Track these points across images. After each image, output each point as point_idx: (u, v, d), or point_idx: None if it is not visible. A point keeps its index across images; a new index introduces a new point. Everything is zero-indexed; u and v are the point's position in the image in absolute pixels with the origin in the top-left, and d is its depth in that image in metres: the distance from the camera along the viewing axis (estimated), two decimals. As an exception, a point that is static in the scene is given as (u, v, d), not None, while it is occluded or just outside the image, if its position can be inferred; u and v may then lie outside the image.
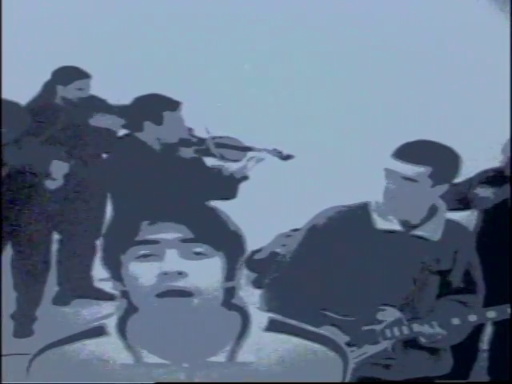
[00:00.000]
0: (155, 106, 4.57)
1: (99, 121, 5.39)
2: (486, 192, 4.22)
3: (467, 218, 4.21)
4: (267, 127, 5.46)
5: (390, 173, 3.03)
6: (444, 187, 3.08)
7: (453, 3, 6.56)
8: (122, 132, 5.20)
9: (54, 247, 5.52)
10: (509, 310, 3.16)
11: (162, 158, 4.56)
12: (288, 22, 6.48)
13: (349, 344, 3.09)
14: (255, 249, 5.61)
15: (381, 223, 3.08)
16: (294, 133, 5.67)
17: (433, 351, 3.20)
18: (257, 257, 5.66)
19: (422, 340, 3.12)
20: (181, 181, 4.34)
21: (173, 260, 1.68)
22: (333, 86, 6.42)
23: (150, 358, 1.74)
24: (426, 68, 6.45)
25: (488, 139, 4.38)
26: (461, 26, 6.48)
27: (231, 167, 4.74)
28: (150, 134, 4.56)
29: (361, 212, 3.12)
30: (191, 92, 4.87)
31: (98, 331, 1.78)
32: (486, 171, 4.36)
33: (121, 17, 6.35)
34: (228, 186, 4.69)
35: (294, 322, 1.85)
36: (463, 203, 4.28)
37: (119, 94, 5.38)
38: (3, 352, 4.17)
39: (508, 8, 6.37)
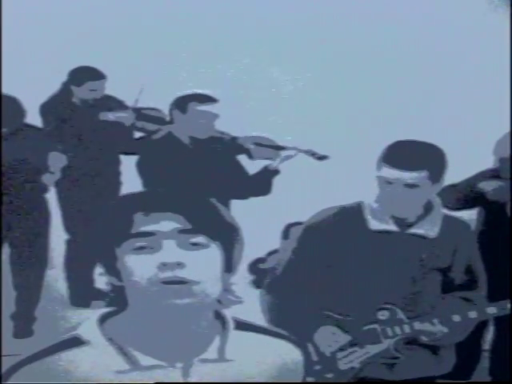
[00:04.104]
0: (184, 97, 4.76)
1: (109, 116, 5.37)
2: (492, 185, 4.22)
3: (468, 217, 4.21)
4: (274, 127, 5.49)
5: (388, 181, 3.01)
6: (440, 185, 3.08)
7: (453, 3, 6.56)
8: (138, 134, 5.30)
9: (63, 249, 5.54)
10: (509, 305, 3.16)
11: (196, 155, 4.71)
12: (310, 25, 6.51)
13: (351, 344, 3.11)
14: (259, 257, 5.63)
15: (374, 224, 3.09)
16: (294, 133, 5.67)
17: (434, 350, 3.20)
18: (262, 266, 5.69)
19: (424, 338, 3.12)
20: (217, 178, 4.50)
21: (171, 251, 1.66)
22: (333, 87, 6.43)
23: (145, 361, 1.70)
24: (426, 69, 6.45)
25: (488, 139, 4.38)
26: (461, 25, 6.48)
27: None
28: (178, 125, 4.73)
29: (354, 213, 3.12)
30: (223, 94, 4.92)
31: (74, 342, 1.72)
32: (485, 171, 4.36)
33: (125, 16, 6.35)
34: (262, 182, 4.87)
35: (254, 322, 1.87)
36: (466, 202, 4.28)
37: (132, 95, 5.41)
38: (3, 352, 4.16)
39: (508, 8, 6.37)
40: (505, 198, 4.21)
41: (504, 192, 4.20)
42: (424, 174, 2.98)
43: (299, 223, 5.08)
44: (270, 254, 5.74)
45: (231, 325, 1.79)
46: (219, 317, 1.79)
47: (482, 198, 4.26)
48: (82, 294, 5.53)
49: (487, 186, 4.23)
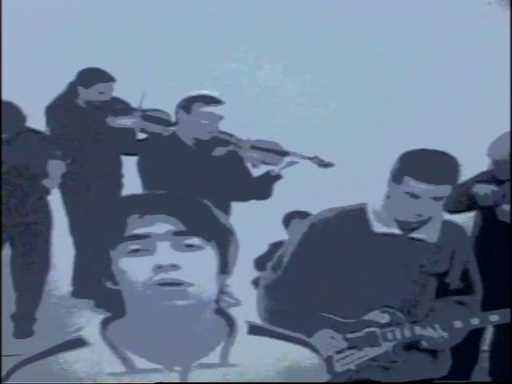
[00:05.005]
0: (189, 98, 4.73)
1: (118, 122, 5.33)
2: (484, 189, 4.22)
3: (467, 219, 4.21)
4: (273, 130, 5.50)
5: (416, 195, 3.00)
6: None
7: (453, 3, 6.57)
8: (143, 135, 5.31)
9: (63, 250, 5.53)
10: (509, 313, 3.15)
11: (199, 157, 4.70)
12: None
13: (349, 347, 3.10)
14: (265, 254, 5.62)
15: (378, 227, 3.09)
16: (294, 134, 5.68)
17: (431, 353, 3.20)
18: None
19: (424, 343, 3.12)
20: (218, 180, 4.50)
21: (165, 253, 1.66)
22: (335, 88, 6.44)
23: (142, 364, 1.70)
24: (426, 70, 6.46)
25: (488, 140, 4.38)
26: (460, 25, 6.48)
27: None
28: (182, 126, 4.70)
29: (358, 214, 3.12)
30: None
31: (77, 343, 1.73)
32: (484, 173, 4.36)
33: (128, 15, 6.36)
34: (263, 186, 4.88)
35: (270, 327, 1.86)
36: (463, 205, 4.28)
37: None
38: (3, 352, 4.16)
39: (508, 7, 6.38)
40: (496, 203, 4.20)
41: (496, 197, 4.19)
42: (448, 185, 3.01)
43: (299, 212, 5.10)
44: (274, 246, 5.74)
45: (238, 328, 1.77)
46: (228, 320, 1.78)
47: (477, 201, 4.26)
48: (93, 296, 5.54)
49: (479, 190, 4.23)
